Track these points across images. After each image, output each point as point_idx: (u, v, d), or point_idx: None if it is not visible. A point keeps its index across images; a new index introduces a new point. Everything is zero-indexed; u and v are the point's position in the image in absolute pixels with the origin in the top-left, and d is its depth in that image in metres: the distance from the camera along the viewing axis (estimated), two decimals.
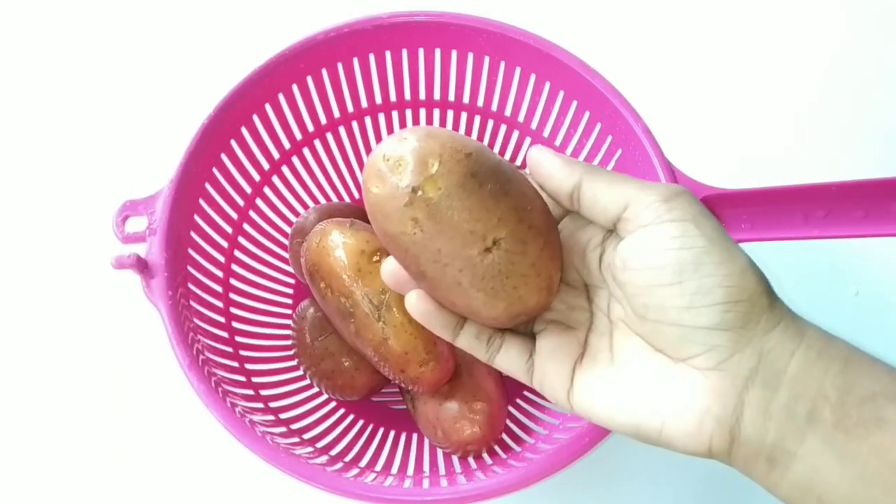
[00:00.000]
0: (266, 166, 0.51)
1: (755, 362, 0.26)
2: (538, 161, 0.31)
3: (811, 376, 0.26)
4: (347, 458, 0.45)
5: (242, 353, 0.47)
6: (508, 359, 0.33)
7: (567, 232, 0.33)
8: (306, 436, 0.45)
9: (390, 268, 0.33)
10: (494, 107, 0.51)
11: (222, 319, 0.47)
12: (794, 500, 0.27)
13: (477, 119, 0.53)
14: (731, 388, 0.26)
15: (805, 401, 0.26)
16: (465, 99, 0.52)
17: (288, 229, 0.53)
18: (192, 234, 0.46)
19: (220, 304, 0.47)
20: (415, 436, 0.49)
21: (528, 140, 0.52)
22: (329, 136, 0.53)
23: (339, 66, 0.49)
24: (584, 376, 0.31)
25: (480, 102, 0.52)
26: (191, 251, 0.45)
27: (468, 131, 0.54)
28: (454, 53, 0.49)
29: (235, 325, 0.48)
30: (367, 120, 0.54)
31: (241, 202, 0.50)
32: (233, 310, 0.48)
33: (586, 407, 0.30)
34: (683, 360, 0.28)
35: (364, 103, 0.52)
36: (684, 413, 0.27)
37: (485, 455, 0.45)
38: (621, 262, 0.29)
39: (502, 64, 0.48)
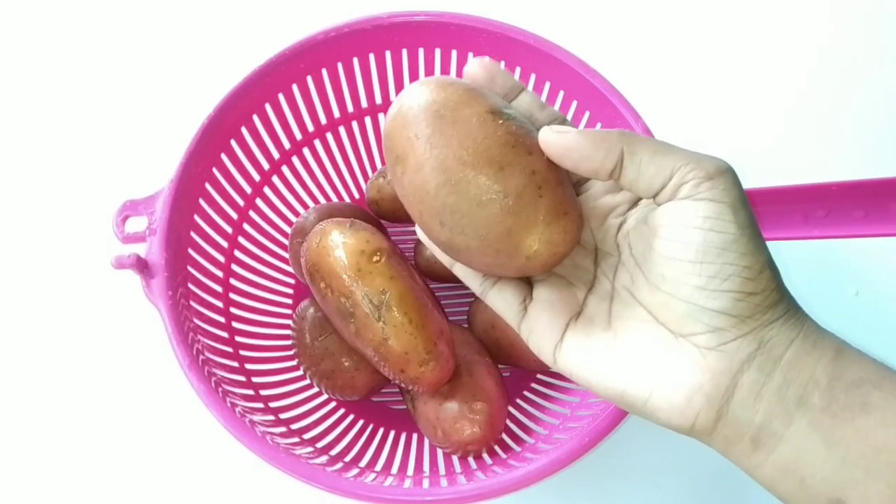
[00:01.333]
0: (266, 166, 0.51)
1: (755, 348, 0.27)
2: (565, 148, 0.28)
3: (805, 364, 0.27)
4: (347, 458, 0.45)
5: (242, 353, 0.47)
6: (501, 298, 0.33)
7: (594, 193, 0.32)
8: (306, 436, 0.45)
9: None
10: None
11: (222, 319, 0.47)
12: (776, 482, 0.27)
13: None
14: (726, 369, 0.27)
15: (796, 386, 0.26)
16: None
17: (288, 229, 0.53)
18: (192, 234, 0.46)
19: (220, 304, 0.47)
20: (415, 436, 0.49)
21: None
22: (329, 136, 0.53)
23: (339, 66, 0.49)
24: (577, 335, 0.31)
25: None
26: (191, 251, 0.45)
27: None
28: (454, 53, 0.49)
29: (235, 325, 0.48)
30: (367, 120, 0.54)
31: (241, 202, 0.50)
32: (233, 310, 0.48)
33: (572, 366, 0.30)
34: (685, 336, 0.28)
35: (364, 103, 0.52)
36: (675, 386, 0.28)
37: (485, 455, 0.45)
38: (654, 229, 0.28)
39: (502, 64, 0.48)
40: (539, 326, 0.32)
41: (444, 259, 0.35)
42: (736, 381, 0.27)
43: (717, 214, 0.26)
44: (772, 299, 0.27)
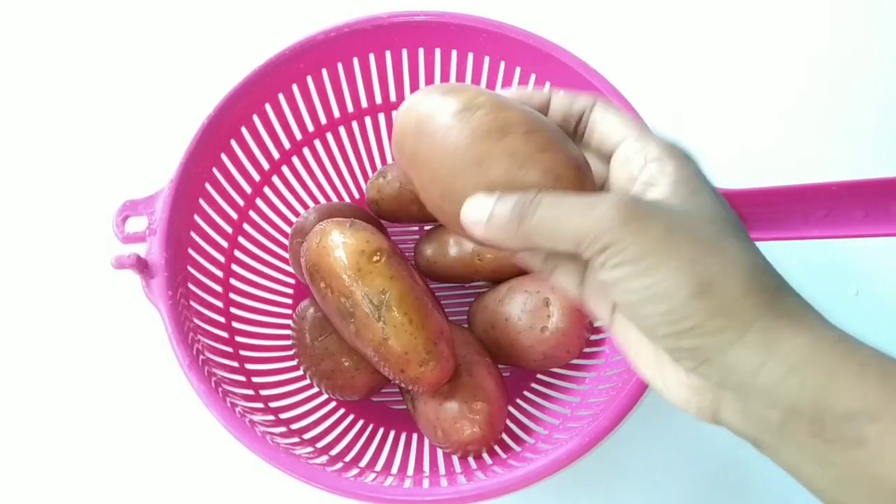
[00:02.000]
0: (266, 166, 0.51)
1: (721, 374, 0.26)
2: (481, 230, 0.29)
3: (782, 391, 0.25)
4: (347, 458, 0.45)
5: (242, 353, 0.47)
6: (563, 280, 0.33)
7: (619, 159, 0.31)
8: (306, 436, 0.45)
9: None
10: None
11: (222, 319, 0.47)
12: (788, 475, 0.27)
13: None
14: (706, 388, 0.27)
15: (778, 412, 0.25)
16: None
17: (288, 229, 0.53)
18: (192, 234, 0.46)
19: (220, 304, 0.47)
20: (415, 436, 0.49)
21: None
22: (329, 136, 0.53)
23: (339, 66, 0.49)
24: (621, 317, 0.31)
25: None
26: (191, 251, 0.45)
27: None
28: (454, 53, 0.49)
29: (235, 325, 0.48)
30: (367, 120, 0.54)
31: (241, 202, 0.50)
32: (233, 310, 0.48)
33: (618, 342, 0.31)
34: None
35: (364, 103, 0.52)
36: (671, 389, 0.29)
37: (485, 455, 0.45)
38: None
39: (502, 64, 0.48)
40: (595, 307, 0.32)
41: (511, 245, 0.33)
42: (719, 397, 0.27)
43: (619, 280, 0.26)
44: (715, 325, 0.25)
